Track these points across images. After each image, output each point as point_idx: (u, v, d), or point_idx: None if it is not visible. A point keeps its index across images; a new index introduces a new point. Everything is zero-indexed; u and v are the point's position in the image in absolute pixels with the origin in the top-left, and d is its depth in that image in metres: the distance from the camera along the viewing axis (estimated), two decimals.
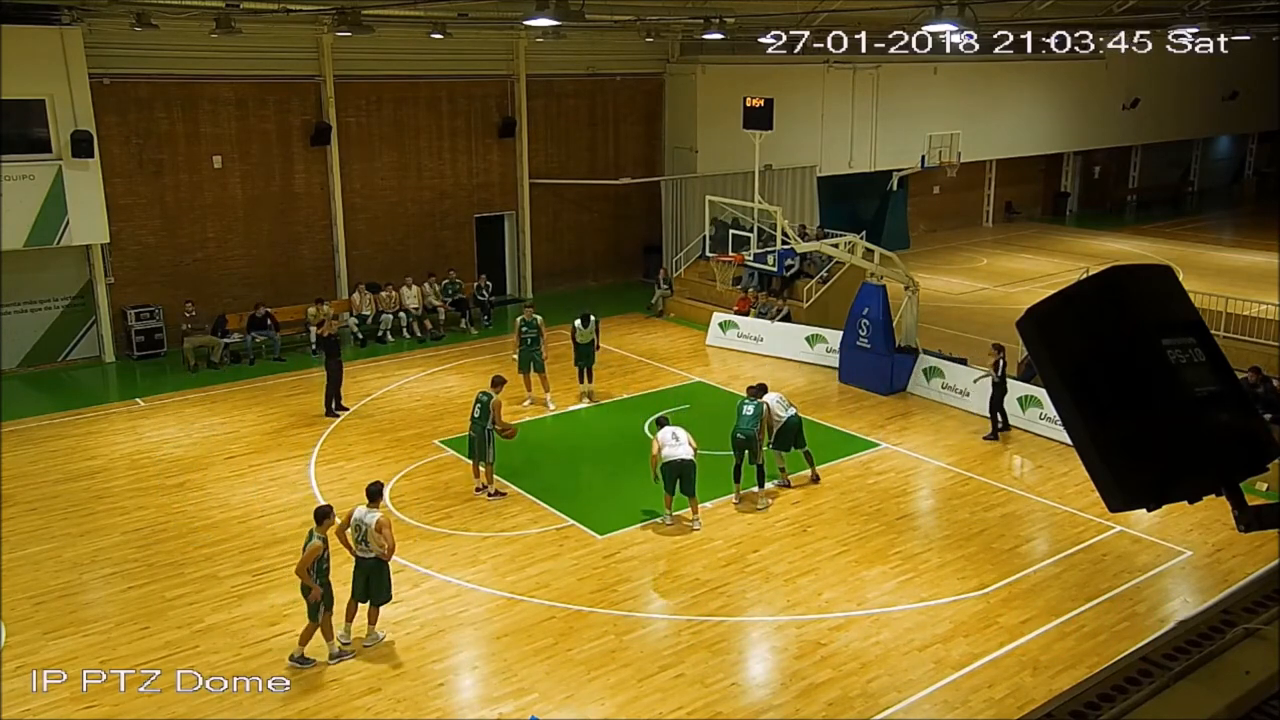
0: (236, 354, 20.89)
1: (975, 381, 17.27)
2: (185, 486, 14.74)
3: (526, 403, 17.82)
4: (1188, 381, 1.87)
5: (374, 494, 10.66)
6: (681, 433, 13.12)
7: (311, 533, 10.06)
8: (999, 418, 16.52)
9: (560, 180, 26.36)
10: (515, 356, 17.82)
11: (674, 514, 13.33)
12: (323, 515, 10.17)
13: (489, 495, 14.14)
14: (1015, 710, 9.38)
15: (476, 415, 14.07)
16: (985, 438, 16.50)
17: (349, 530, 10.38)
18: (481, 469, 14.28)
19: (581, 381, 18.46)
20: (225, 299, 21.85)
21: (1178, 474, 1.88)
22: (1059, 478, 14.83)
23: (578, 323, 17.99)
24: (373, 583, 10.39)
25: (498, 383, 14.48)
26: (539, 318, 17.78)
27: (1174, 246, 32.40)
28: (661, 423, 13.56)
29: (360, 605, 10.50)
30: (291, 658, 10.18)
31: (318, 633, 10.20)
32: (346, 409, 17.79)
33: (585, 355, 18.17)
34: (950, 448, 16.24)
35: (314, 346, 20.27)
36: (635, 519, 13.48)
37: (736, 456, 13.88)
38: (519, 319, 17.92)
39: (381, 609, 10.59)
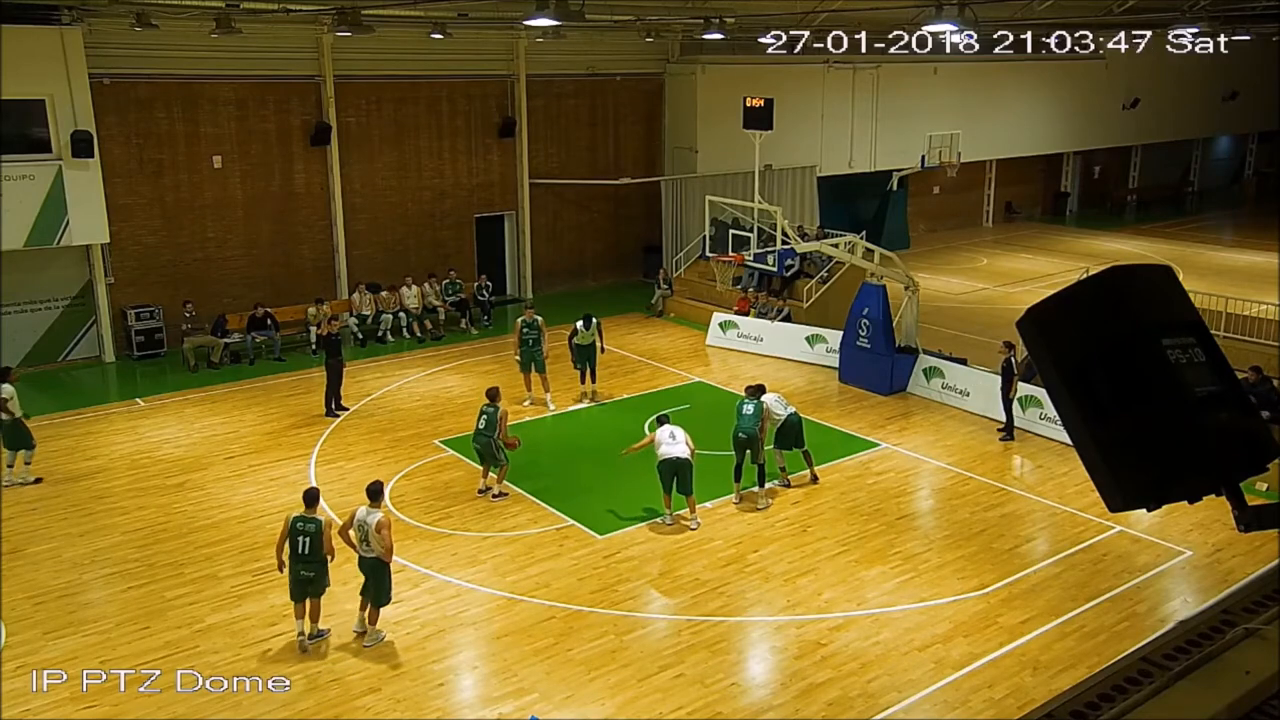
0: (236, 354, 20.89)
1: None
2: (185, 486, 14.75)
3: (526, 402, 17.84)
4: (1188, 381, 1.87)
5: (374, 493, 10.68)
6: (679, 432, 13.14)
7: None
8: (1010, 415, 16.44)
9: (560, 180, 26.36)
10: (518, 357, 17.83)
11: (673, 514, 13.34)
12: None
13: (492, 496, 14.14)
14: (1015, 710, 9.38)
15: (481, 427, 14.06)
16: (1002, 439, 16.41)
17: (352, 530, 10.43)
18: (492, 473, 14.28)
19: (583, 382, 18.46)
20: (225, 299, 21.84)
21: (1178, 474, 1.88)
22: (1059, 478, 14.83)
23: (579, 324, 17.97)
24: (373, 583, 10.43)
25: (495, 395, 14.29)
26: (540, 318, 17.78)
27: (1174, 246, 32.38)
28: (662, 421, 13.58)
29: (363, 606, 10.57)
30: (310, 637, 10.39)
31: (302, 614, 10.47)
32: (346, 409, 17.80)
33: (586, 357, 18.17)
34: (950, 448, 16.23)
35: (314, 346, 20.28)
36: (635, 519, 13.49)
37: (737, 456, 13.89)
38: (520, 319, 17.91)
39: (382, 609, 10.61)
